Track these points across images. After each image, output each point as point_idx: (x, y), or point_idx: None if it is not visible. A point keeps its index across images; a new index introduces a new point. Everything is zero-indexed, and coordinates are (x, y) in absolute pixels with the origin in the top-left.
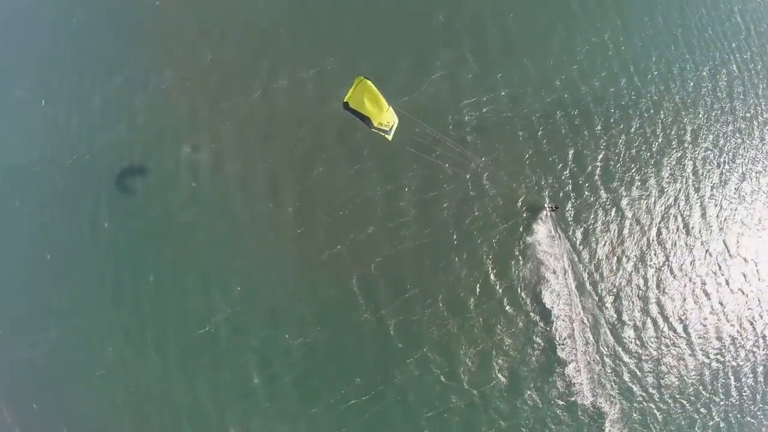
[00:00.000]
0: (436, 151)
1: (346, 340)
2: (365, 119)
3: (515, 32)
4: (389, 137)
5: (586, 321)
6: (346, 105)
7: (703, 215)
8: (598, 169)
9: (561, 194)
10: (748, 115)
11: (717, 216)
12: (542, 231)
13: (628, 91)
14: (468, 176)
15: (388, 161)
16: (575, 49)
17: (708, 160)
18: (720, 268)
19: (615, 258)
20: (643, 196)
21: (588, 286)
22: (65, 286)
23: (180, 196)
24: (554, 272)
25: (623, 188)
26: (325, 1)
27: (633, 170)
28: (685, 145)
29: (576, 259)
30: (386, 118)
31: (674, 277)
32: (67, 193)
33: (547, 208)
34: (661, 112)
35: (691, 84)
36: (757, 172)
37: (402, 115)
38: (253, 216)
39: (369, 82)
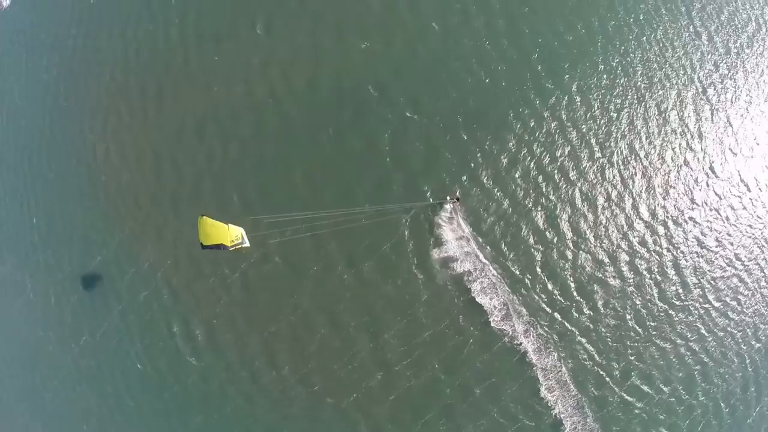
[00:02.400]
0: None
1: None
2: (220, 246)
3: None
4: (247, 245)
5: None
6: (202, 246)
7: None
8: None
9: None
10: None
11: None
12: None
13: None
14: None
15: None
16: None
17: None
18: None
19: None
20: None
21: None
22: None
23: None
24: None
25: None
26: None
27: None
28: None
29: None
30: (233, 234)
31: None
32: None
33: (450, 200)
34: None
35: None
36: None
37: None
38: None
39: (205, 218)
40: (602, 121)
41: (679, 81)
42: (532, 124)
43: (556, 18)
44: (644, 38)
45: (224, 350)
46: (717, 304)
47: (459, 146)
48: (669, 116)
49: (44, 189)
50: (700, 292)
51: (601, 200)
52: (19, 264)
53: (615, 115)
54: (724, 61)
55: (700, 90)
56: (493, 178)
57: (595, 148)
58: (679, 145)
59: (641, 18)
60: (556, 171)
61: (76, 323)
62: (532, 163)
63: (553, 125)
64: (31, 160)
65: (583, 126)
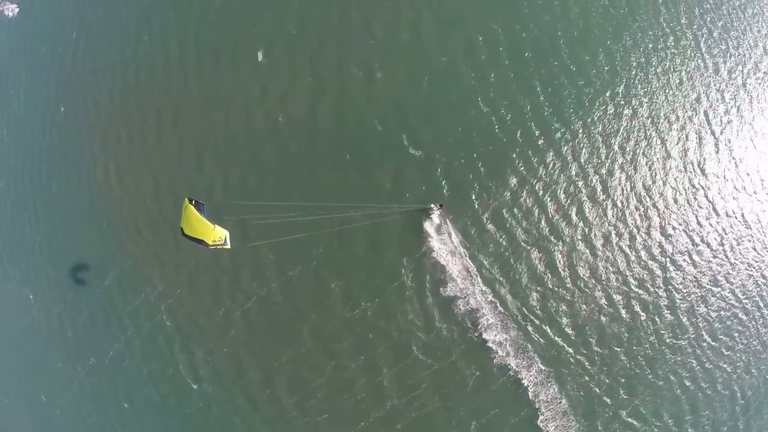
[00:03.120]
0: None
1: None
2: (200, 242)
3: None
4: (228, 246)
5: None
6: (182, 232)
7: None
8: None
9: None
10: None
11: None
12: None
13: None
14: None
15: None
16: None
17: None
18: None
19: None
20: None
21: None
22: None
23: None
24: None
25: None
26: None
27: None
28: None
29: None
30: (217, 235)
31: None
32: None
33: (434, 207)
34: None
35: None
36: None
37: None
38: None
39: (197, 214)
40: (605, 158)
41: (685, 114)
42: (535, 160)
43: (563, 50)
44: (650, 69)
45: (229, 380)
46: (713, 343)
47: (461, 183)
48: (672, 152)
49: (46, 205)
50: (696, 331)
51: (600, 239)
52: (23, 280)
53: (618, 150)
54: (729, 91)
55: (706, 125)
56: (496, 215)
57: (597, 186)
58: (683, 183)
59: (649, 47)
60: (558, 209)
61: (82, 346)
62: (535, 202)
63: (556, 162)
64: (32, 173)
65: (586, 162)
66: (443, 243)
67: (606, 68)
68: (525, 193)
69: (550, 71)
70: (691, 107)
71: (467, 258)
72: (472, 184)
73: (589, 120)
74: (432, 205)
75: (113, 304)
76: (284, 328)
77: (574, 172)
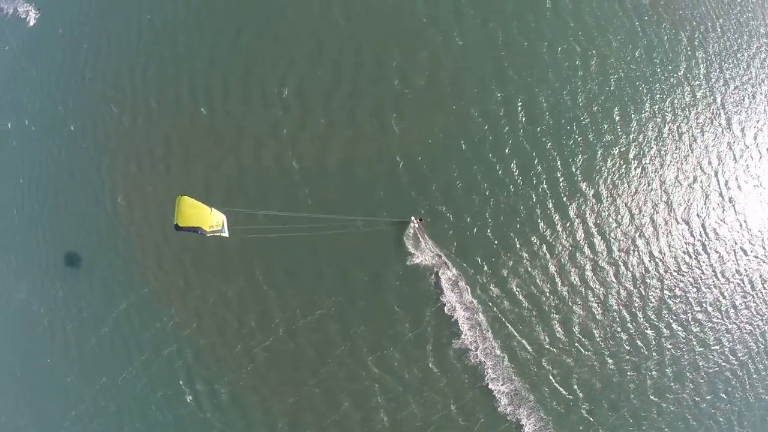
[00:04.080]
0: None
1: None
2: (197, 230)
3: None
4: (226, 234)
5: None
6: (177, 227)
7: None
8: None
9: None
10: None
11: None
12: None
13: None
14: None
15: None
16: None
17: None
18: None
19: None
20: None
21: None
22: None
23: None
24: None
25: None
26: None
27: None
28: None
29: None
30: (213, 220)
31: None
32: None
33: (414, 221)
34: None
35: None
36: None
37: None
38: None
39: (186, 197)
40: (610, 214)
41: (694, 174)
42: (559, 230)
43: (597, 116)
44: (666, 129)
45: (245, 411)
46: (708, 397)
47: (472, 242)
48: (679, 215)
49: (58, 221)
50: (693, 386)
51: (612, 300)
52: (34, 293)
53: (624, 209)
54: (741, 151)
55: (716, 185)
56: (514, 274)
57: (602, 246)
58: (690, 247)
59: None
60: (561, 269)
61: (94, 364)
62: (551, 265)
63: (567, 223)
64: (47, 189)
65: (596, 224)
66: (456, 297)
67: (619, 125)
68: (532, 253)
69: (563, 127)
70: (701, 167)
71: (480, 313)
72: (483, 243)
73: (599, 177)
74: (412, 218)
75: (129, 328)
76: (301, 369)
77: (587, 234)
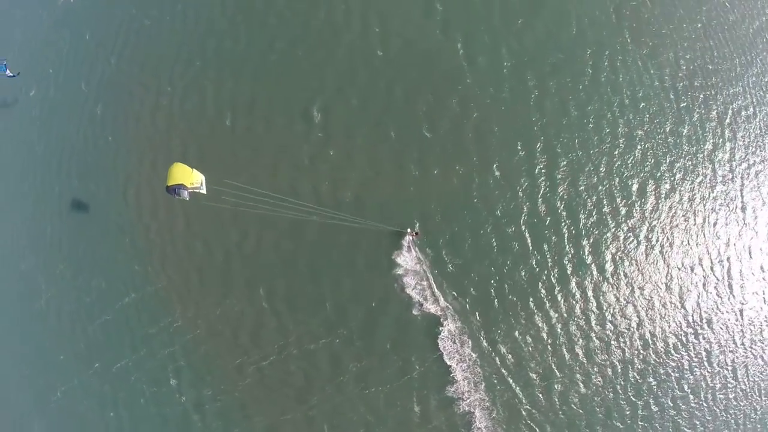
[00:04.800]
0: None
1: None
2: (180, 188)
3: None
4: (203, 191)
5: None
6: (167, 188)
7: None
8: None
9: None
10: None
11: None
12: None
13: None
14: None
15: None
16: None
17: None
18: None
19: None
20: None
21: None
22: None
23: None
24: None
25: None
26: None
27: None
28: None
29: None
30: (194, 178)
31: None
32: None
33: (409, 234)
34: None
35: None
36: None
37: None
38: None
39: (179, 163)
40: (625, 294)
41: (702, 263)
42: (560, 299)
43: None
44: (681, 209)
45: (228, 425)
46: None
47: (486, 299)
48: (678, 300)
49: (70, 205)
50: None
51: (598, 374)
52: (37, 266)
53: (637, 291)
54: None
55: (710, 275)
56: (509, 333)
57: (606, 325)
58: (683, 333)
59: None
60: (564, 341)
61: (89, 349)
62: (545, 331)
63: (580, 302)
64: (60, 167)
65: (603, 300)
66: (457, 349)
67: (635, 199)
68: (530, 316)
69: (579, 195)
70: (708, 252)
71: (478, 366)
72: (484, 298)
73: (606, 252)
74: (408, 230)
75: (128, 323)
76: (294, 391)
77: (586, 306)
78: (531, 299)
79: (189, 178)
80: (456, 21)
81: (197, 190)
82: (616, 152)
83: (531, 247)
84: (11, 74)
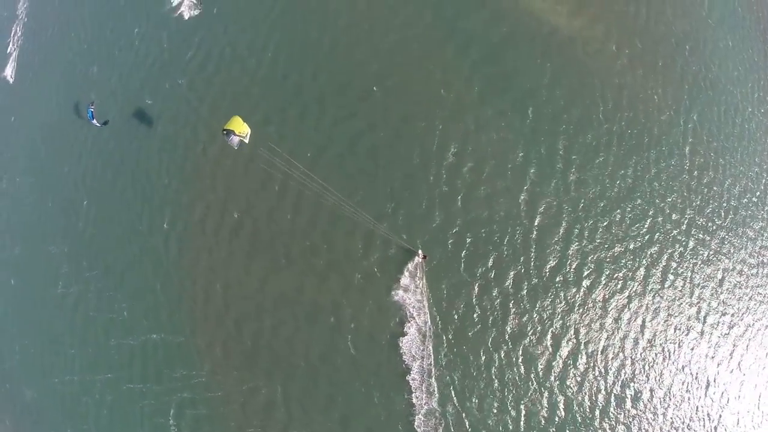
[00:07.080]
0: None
1: None
2: (230, 133)
3: None
4: (246, 140)
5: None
6: (223, 130)
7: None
8: None
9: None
10: None
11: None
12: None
13: None
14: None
15: None
16: None
17: None
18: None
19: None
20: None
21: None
22: None
23: None
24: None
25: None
26: None
27: None
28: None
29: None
30: (243, 129)
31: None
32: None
33: (420, 255)
34: None
35: None
36: None
37: None
38: None
39: (237, 117)
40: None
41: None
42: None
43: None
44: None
45: None
46: None
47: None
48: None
49: (100, 206)
50: None
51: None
52: (64, 255)
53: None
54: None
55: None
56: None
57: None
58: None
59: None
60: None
61: (98, 358)
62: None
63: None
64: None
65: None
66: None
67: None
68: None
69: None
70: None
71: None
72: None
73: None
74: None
75: (149, 356)
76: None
77: (573, 364)
78: (515, 340)
79: (240, 127)
80: None
81: (244, 138)
82: (623, 235)
83: (526, 303)
84: (98, 124)
